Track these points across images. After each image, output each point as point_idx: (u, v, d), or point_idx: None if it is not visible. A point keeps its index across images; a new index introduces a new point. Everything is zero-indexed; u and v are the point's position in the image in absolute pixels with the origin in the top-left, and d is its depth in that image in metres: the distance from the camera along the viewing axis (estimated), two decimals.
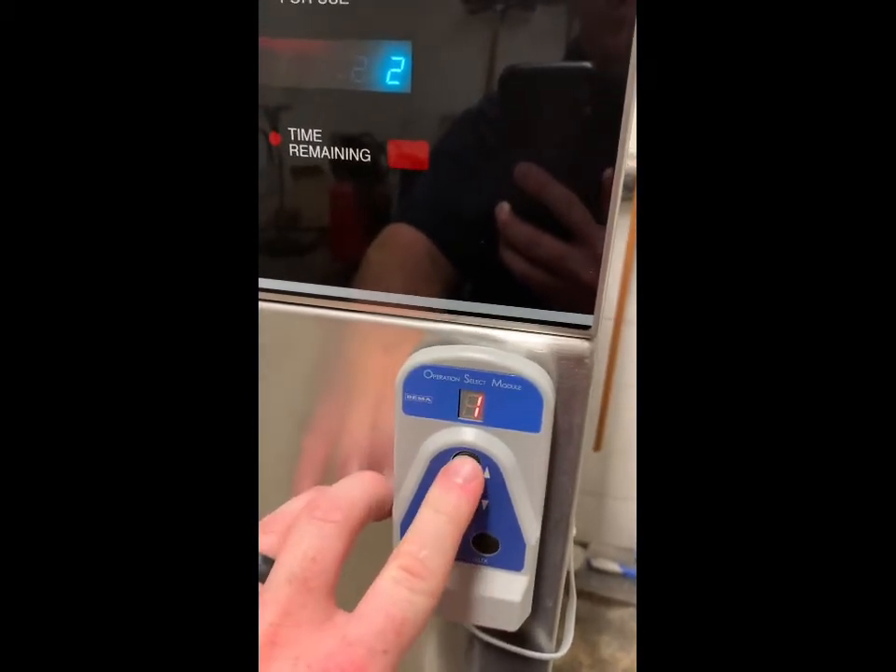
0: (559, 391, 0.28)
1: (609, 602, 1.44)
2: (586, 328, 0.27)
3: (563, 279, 0.26)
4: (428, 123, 0.25)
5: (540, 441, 0.27)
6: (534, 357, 0.28)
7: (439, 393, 0.27)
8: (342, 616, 0.23)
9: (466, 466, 0.27)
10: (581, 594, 1.42)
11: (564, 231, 0.25)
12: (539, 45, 0.23)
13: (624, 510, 1.48)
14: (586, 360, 0.27)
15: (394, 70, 0.25)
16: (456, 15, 0.24)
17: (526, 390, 0.27)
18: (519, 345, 0.28)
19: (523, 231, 0.26)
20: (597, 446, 1.40)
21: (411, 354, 0.28)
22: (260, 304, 0.30)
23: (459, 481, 0.26)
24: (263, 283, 0.29)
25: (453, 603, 0.30)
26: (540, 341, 0.28)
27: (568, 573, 0.39)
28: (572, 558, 0.41)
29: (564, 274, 0.26)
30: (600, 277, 0.26)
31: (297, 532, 0.24)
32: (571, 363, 0.27)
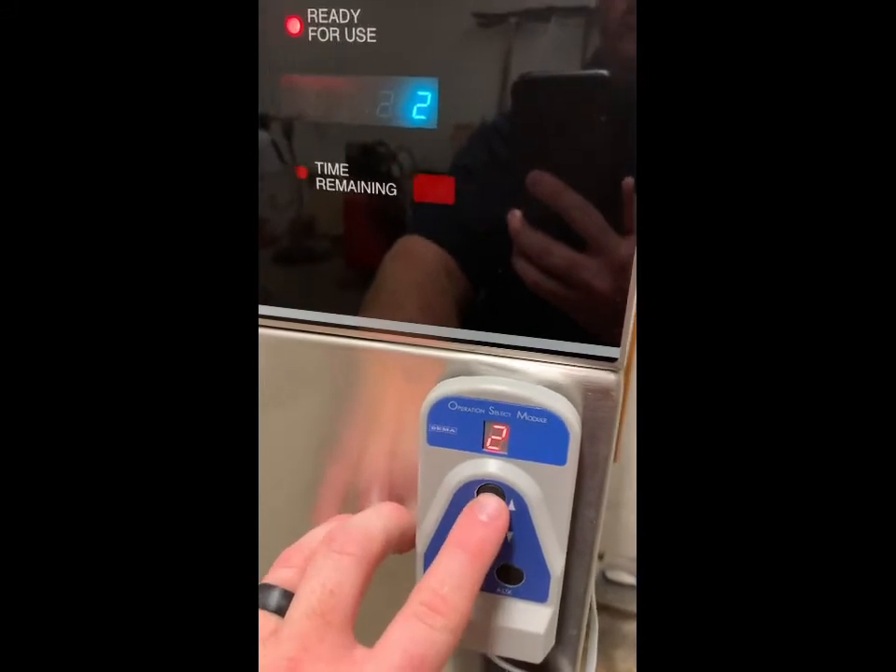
0: (585, 423, 0.28)
1: (624, 615, 1.42)
2: (613, 360, 0.27)
3: (589, 311, 0.26)
4: (455, 158, 0.25)
5: (566, 474, 0.27)
6: (559, 388, 0.27)
7: (463, 424, 0.27)
8: (360, 651, 0.23)
9: (491, 503, 0.26)
10: (597, 607, 1.40)
11: (590, 262, 0.25)
12: (556, 57, 0.23)
13: None
14: (612, 393, 0.27)
15: (420, 105, 0.25)
16: (482, 51, 0.24)
17: (552, 423, 0.26)
18: (545, 377, 0.28)
19: (551, 261, 0.26)
20: (615, 457, 1.40)
21: (436, 384, 0.28)
22: (289, 334, 0.30)
23: (484, 518, 0.26)
24: (292, 313, 0.30)
25: (477, 633, 0.30)
26: (566, 372, 0.27)
27: (591, 601, 0.39)
28: (593, 588, 0.40)
29: (589, 306, 0.26)
30: (626, 309, 0.26)
31: (314, 565, 0.24)
32: (598, 395, 0.27)
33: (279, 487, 0.34)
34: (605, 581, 1.46)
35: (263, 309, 0.30)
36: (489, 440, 0.27)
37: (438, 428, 0.28)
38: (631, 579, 1.45)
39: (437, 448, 0.28)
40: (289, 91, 0.26)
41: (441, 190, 0.26)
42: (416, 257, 0.27)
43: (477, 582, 0.24)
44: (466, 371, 0.28)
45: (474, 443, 0.28)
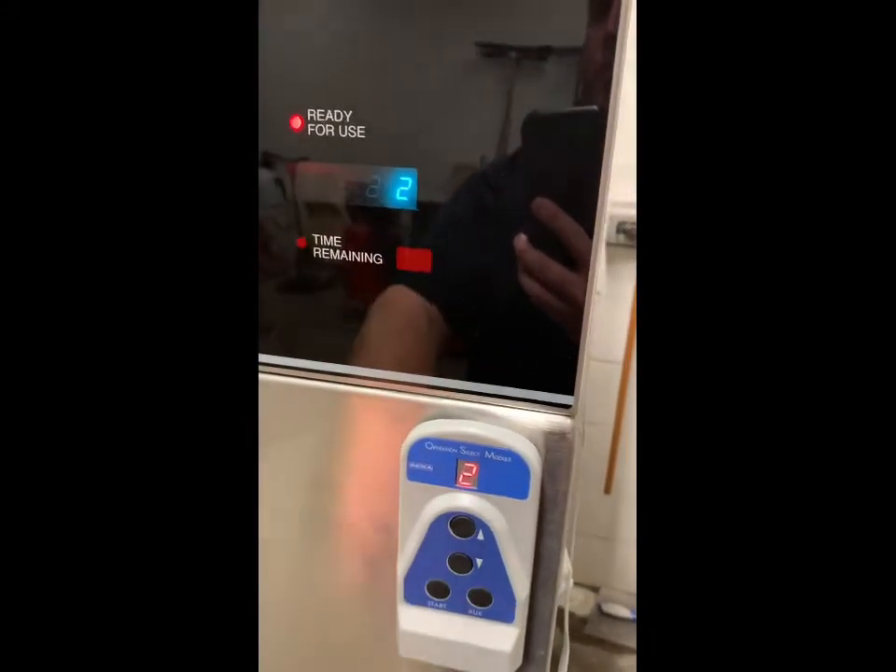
0: (545, 462, 0.31)
1: (620, 649, 1.42)
2: (567, 406, 0.31)
3: (547, 363, 0.30)
4: (432, 234, 0.30)
5: (528, 507, 0.31)
6: (522, 431, 0.31)
7: (438, 462, 0.31)
8: None
9: None
10: (591, 640, 1.41)
11: (545, 318, 0.29)
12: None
13: (635, 554, 1.48)
14: (568, 435, 0.31)
15: (402, 188, 0.30)
16: (456, 149, 0.29)
17: (515, 462, 0.30)
18: (510, 420, 0.32)
19: (516, 312, 0.30)
20: (608, 489, 1.42)
21: (415, 427, 0.32)
22: (286, 380, 0.34)
23: None
24: (290, 362, 0.34)
25: (449, 651, 0.33)
26: (528, 417, 0.31)
27: (562, 619, 0.42)
28: (567, 607, 0.43)
29: (548, 358, 0.30)
30: (579, 362, 0.30)
31: None
32: (556, 437, 0.31)
33: (275, 519, 0.38)
34: (600, 615, 1.47)
35: (263, 357, 0.34)
36: (461, 476, 0.31)
37: (416, 465, 0.32)
38: (627, 612, 1.46)
39: (415, 483, 0.32)
40: (291, 177, 0.31)
41: (419, 260, 0.30)
42: (399, 315, 0.32)
43: None
44: (441, 414, 0.32)
45: (448, 479, 0.31)
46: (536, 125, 0.27)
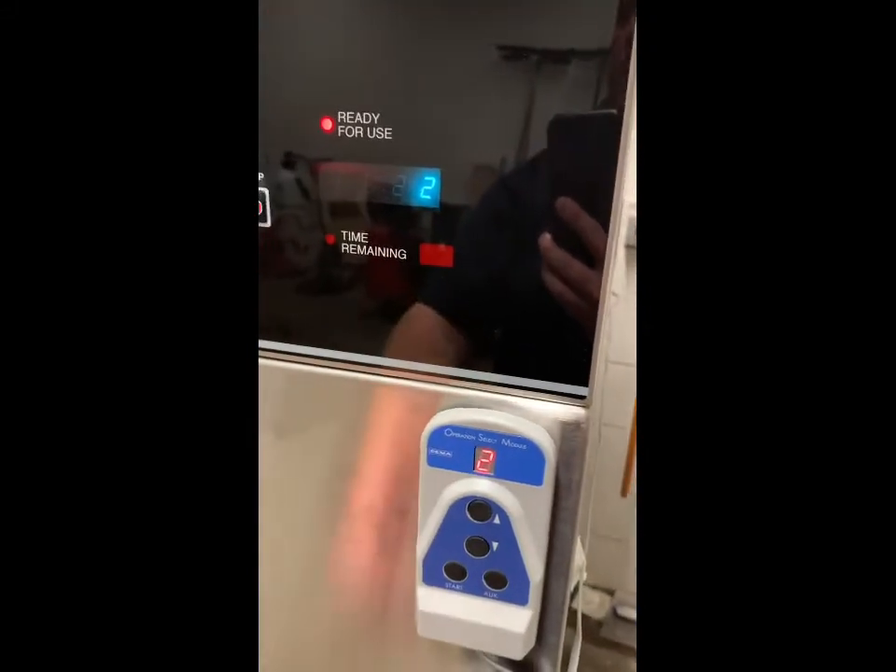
0: (560, 451, 0.33)
1: (634, 652, 1.42)
2: (582, 397, 0.32)
3: (563, 354, 0.31)
4: (454, 231, 0.31)
5: (543, 493, 0.32)
6: (538, 420, 0.33)
7: (457, 449, 0.33)
8: None
9: None
10: (606, 643, 1.41)
11: (562, 313, 0.31)
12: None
13: None
14: (582, 425, 0.32)
15: (426, 188, 0.32)
16: (479, 150, 0.30)
17: (531, 449, 0.32)
18: (527, 410, 0.33)
19: (534, 306, 0.31)
20: (624, 492, 1.42)
21: (435, 415, 0.34)
22: (317, 370, 0.36)
23: None
24: (320, 352, 0.35)
25: (465, 631, 0.35)
26: (545, 407, 0.33)
27: (574, 612, 0.43)
28: (581, 599, 0.44)
29: (563, 350, 0.31)
30: (594, 353, 0.31)
31: None
32: (570, 427, 0.33)
33: (298, 505, 0.39)
34: (615, 618, 1.47)
35: (295, 347, 0.36)
36: (479, 462, 0.33)
37: (436, 452, 0.33)
38: None
39: (435, 468, 0.33)
40: (321, 176, 0.32)
41: (442, 256, 0.32)
42: (422, 308, 0.33)
43: None
44: (461, 403, 0.34)
45: (466, 465, 0.33)
46: (558, 127, 0.28)
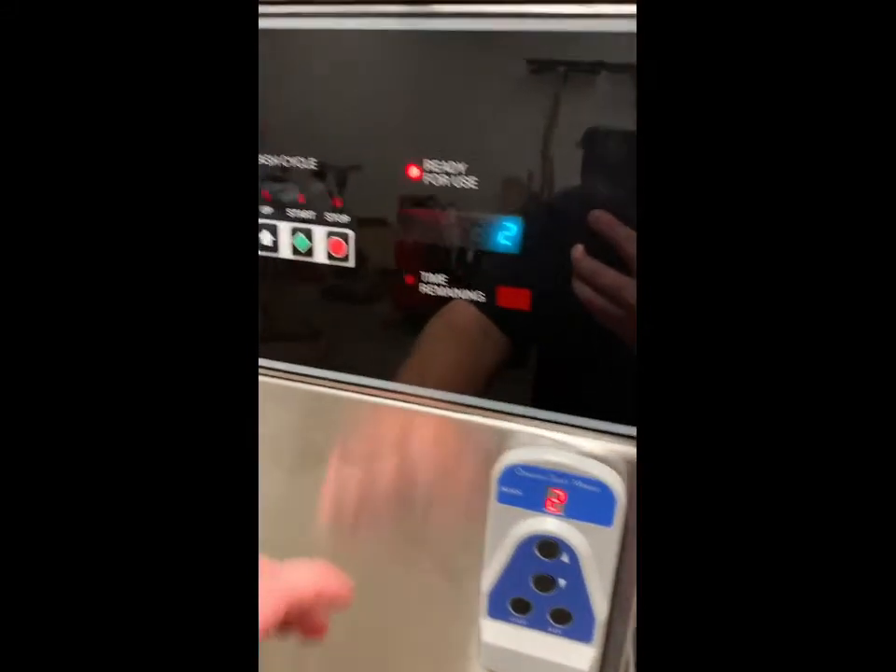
0: (629, 492, 0.33)
1: None
2: None
3: (629, 397, 0.32)
4: (532, 274, 0.32)
5: (612, 534, 0.33)
6: (609, 461, 0.33)
7: (528, 488, 0.34)
8: None
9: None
10: None
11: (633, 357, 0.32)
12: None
13: None
14: None
15: (506, 233, 0.33)
16: (557, 199, 0.31)
17: (602, 491, 0.32)
18: (598, 451, 0.34)
19: (605, 348, 0.32)
20: None
21: (505, 453, 0.35)
22: (389, 402, 0.37)
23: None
24: (381, 384, 0.37)
25: (529, 666, 0.35)
26: (614, 448, 0.33)
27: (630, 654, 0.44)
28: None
29: (630, 393, 0.32)
30: None
31: None
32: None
33: (365, 534, 0.40)
34: None
35: (367, 381, 0.37)
36: (549, 502, 0.33)
37: (507, 489, 0.34)
38: None
39: (505, 506, 0.34)
40: (405, 219, 0.34)
41: (519, 299, 0.33)
42: (496, 347, 0.34)
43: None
44: (532, 442, 0.35)
45: (537, 504, 0.34)
46: (597, 140, 0.30)
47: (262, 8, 0.33)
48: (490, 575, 0.35)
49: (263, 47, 0.33)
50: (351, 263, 0.35)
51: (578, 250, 0.31)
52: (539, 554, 0.34)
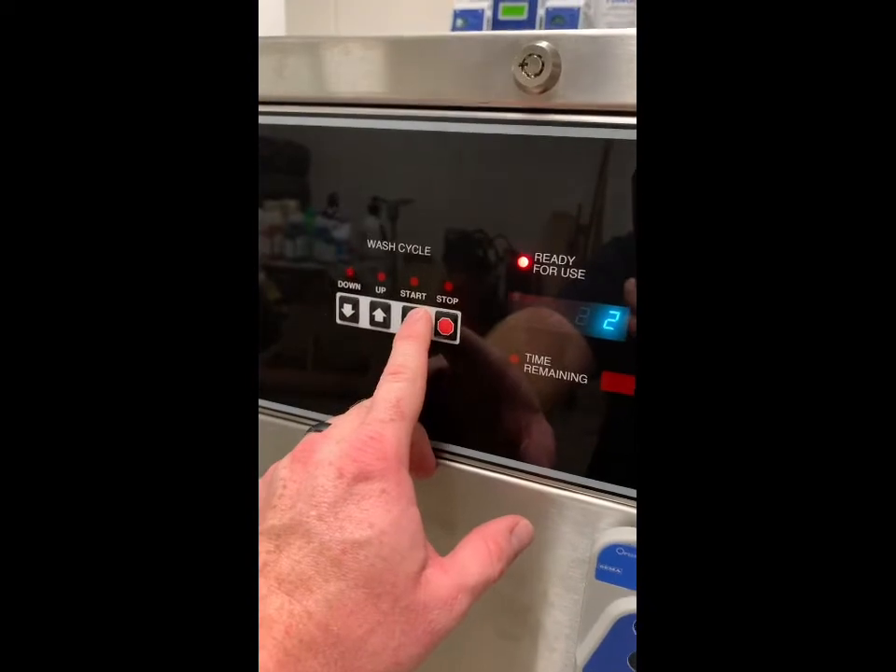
0: None
1: None
2: None
3: None
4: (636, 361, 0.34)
5: None
6: None
7: (628, 567, 0.35)
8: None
9: (417, 311, 0.38)
10: None
11: None
12: None
13: None
14: None
15: (610, 321, 0.34)
16: None
17: None
18: None
19: None
20: None
21: (605, 531, 0.36)
22: (489, 474, 0.39)
23: (417, 317, 0.37)
24: (474, 454, 0.38)
25: None
26: None
27: None
28: None
29: None
30: None
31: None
32: None
33: None
34: None
35: (464, 451, 0.39)
36: None
37: (605, 567, 0.35)
38: None
39: (603, 583, 0.35)
40: (512, 305, 0.36)
41: (624, 384, 0.34)
42: (595, 431, 0.36)
43: (420, 351, 0.35)
44: (628, 521, 0.36)
45: (635, 582, 0.34)
46: None
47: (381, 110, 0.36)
48: (585, 650, 0.36)
49: (379, 143, 0.36)
50: (457, 341, 0.38)
51: None
52: (636, 632, 0.34)
